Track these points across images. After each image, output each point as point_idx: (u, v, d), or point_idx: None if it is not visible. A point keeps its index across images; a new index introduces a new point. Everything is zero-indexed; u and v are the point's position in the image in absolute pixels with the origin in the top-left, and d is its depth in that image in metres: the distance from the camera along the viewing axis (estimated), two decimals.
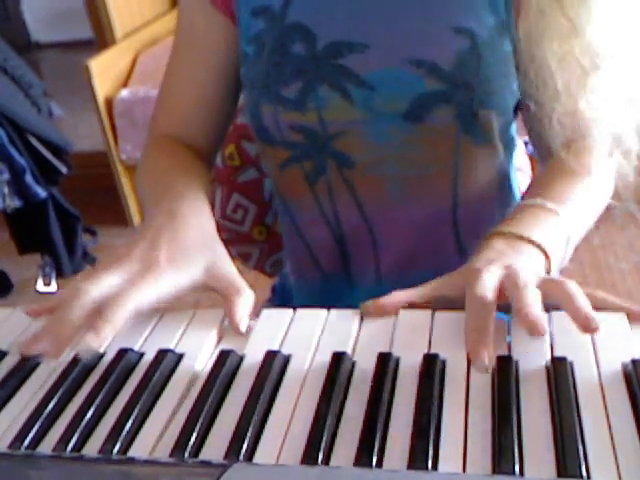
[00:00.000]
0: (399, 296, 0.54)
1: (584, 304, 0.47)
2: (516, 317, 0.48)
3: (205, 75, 0.74)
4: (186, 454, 0.42)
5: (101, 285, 0.52)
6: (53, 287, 2.14)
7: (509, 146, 0.74)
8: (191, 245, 0.57)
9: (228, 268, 0.58)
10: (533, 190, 0.65)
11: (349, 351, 0.50)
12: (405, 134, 0.68)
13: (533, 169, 0.90)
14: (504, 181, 0.76)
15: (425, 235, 0.74)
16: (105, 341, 0.51)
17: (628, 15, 0.62)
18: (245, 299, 0.55)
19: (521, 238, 0.57)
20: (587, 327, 0.46)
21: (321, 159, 0.72)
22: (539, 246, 0.56)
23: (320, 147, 0.71)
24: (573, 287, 0.49)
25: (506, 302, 0.50)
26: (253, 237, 0.93)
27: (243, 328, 0.53)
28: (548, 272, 0.57)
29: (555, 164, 0.67)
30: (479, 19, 0.66)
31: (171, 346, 0.53)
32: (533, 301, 0.48)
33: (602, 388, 0.44)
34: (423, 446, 0.40)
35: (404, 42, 0.66)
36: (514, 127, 0.74)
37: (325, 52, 0.67)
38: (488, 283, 0.50)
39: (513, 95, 0.68)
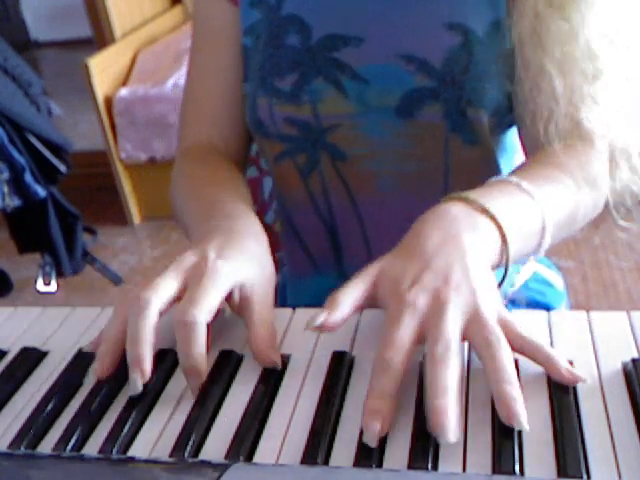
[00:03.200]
0: (345, 309, 0.47)
1: (558, 358, 0.44)
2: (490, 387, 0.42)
3: (226, 67, 0.73)
4: (186, 454, 0.42)
5: (161, 292, 0.49)
6: (53, 287, 2.14)
7: (506, 150, 0.72)
8: (245, 247, 0.53)
9: (267, 290, 0.53)
10: (511, 172, 0.59)
11: (349, 350, 0.50)
12: (397, 129, 0.68)
13: None
14: None
15: None
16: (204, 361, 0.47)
17: (629, 17, 0.60)
18: (267, 331, 0.50)
19: (482, 210, 0.50)
20: (575, 382, 0.43)
21: (314, 152, 0.72)
22: (499, 226, 0.50)
23: (313, 140, 0.71)
24: (535, 338, 0.44)
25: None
26: None
27: (277, 360, 0.49)
28: (502, 257, 0.51)
29: (543, 154, 0.61)
30: (475, 15, 0.65)
31: (171, 346, 0.53)
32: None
33: (602, 388, 0.44)
34: (423, 446, 0.40)
35: (397, 37, 0.66)
36: (512, 132, 0.72)
37: (320, 45, 0.67)
38: (403, 338, 0.43)
39: (507, 95, 0.66)
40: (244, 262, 0.52)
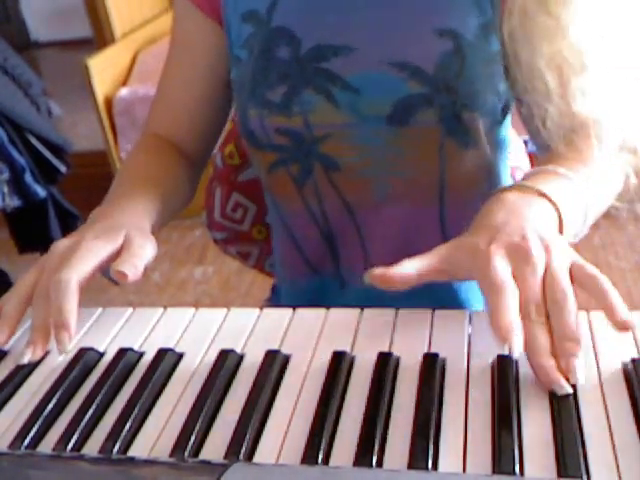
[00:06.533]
0: (408, 267, 0.50)
1: (619, 303, 0.46)
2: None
3: (194, 77, 0.76)
4: (186, 454, 0.42)
5: (29, 277, 0.62)
6: None
7: (499, 147, 0.73)
8: (115, 225, 0.61)
9: (140, 236, 0.60)
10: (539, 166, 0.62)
11: (349, 350, 0.50)
12: (390, 137, 0.68)
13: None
14: (494, 181, 0.75)
15: (413, 235, 0.74)
16: (73, 326, 0.53)
17: (614, 13, 0.61)
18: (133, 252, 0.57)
19: (538, 193, 0.54)
20: (623, 328, 0.45)
21: (307, 162, 0.72)
22: (550, 200, 0.54)
23: (306, 150, 0.71)
24: (605, 283, 0.47)
25: None
26: (252, 236, 0.93)
27: (127, 270, 0.55)
28: (561, 230, 0.54)
29: (556, 153, 0.64)
30: (464, 19, 0.65)
31: (171, 346, 0.53)
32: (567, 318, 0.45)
33: (602, 388, 0.44)
34: (423, 446, 0.40)
35: (387, 45, 0.66)
36: (504, 128, 0.72)
37: (309, 56, 0.67)
38: (502, 266, 0.47)
39: (499, 96, 0.67)
40: (116, 233, 0.60)
